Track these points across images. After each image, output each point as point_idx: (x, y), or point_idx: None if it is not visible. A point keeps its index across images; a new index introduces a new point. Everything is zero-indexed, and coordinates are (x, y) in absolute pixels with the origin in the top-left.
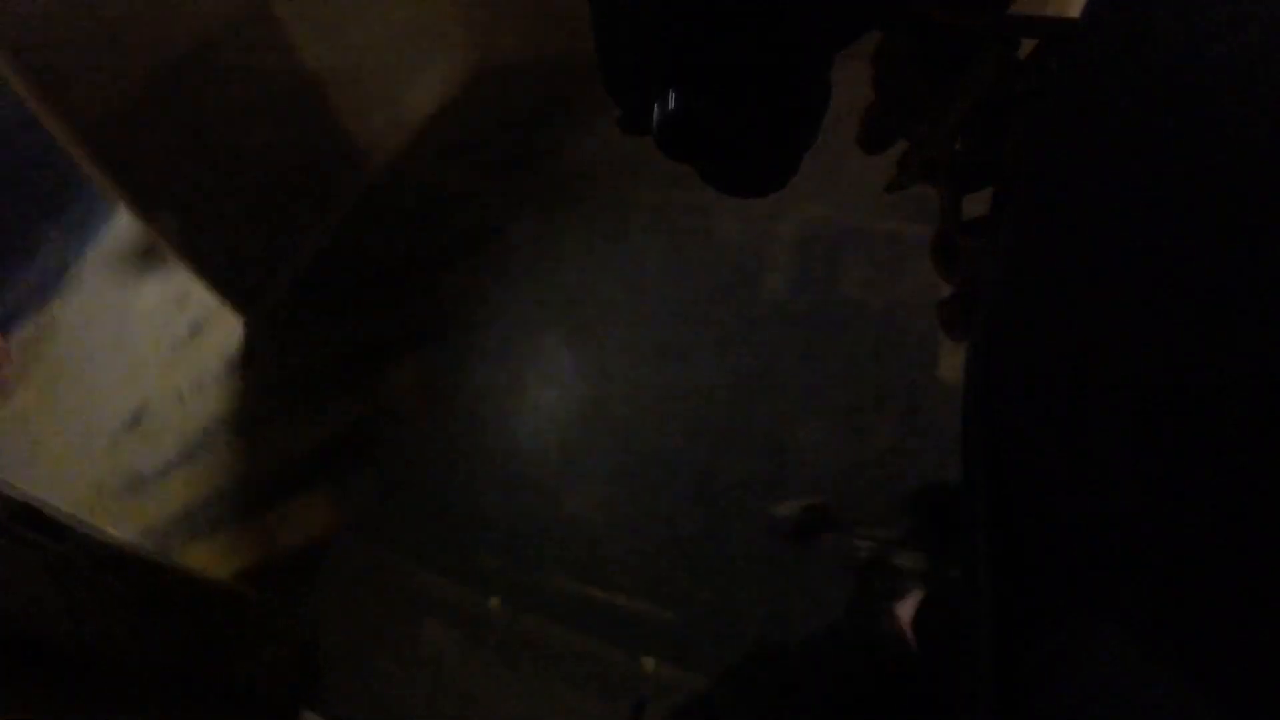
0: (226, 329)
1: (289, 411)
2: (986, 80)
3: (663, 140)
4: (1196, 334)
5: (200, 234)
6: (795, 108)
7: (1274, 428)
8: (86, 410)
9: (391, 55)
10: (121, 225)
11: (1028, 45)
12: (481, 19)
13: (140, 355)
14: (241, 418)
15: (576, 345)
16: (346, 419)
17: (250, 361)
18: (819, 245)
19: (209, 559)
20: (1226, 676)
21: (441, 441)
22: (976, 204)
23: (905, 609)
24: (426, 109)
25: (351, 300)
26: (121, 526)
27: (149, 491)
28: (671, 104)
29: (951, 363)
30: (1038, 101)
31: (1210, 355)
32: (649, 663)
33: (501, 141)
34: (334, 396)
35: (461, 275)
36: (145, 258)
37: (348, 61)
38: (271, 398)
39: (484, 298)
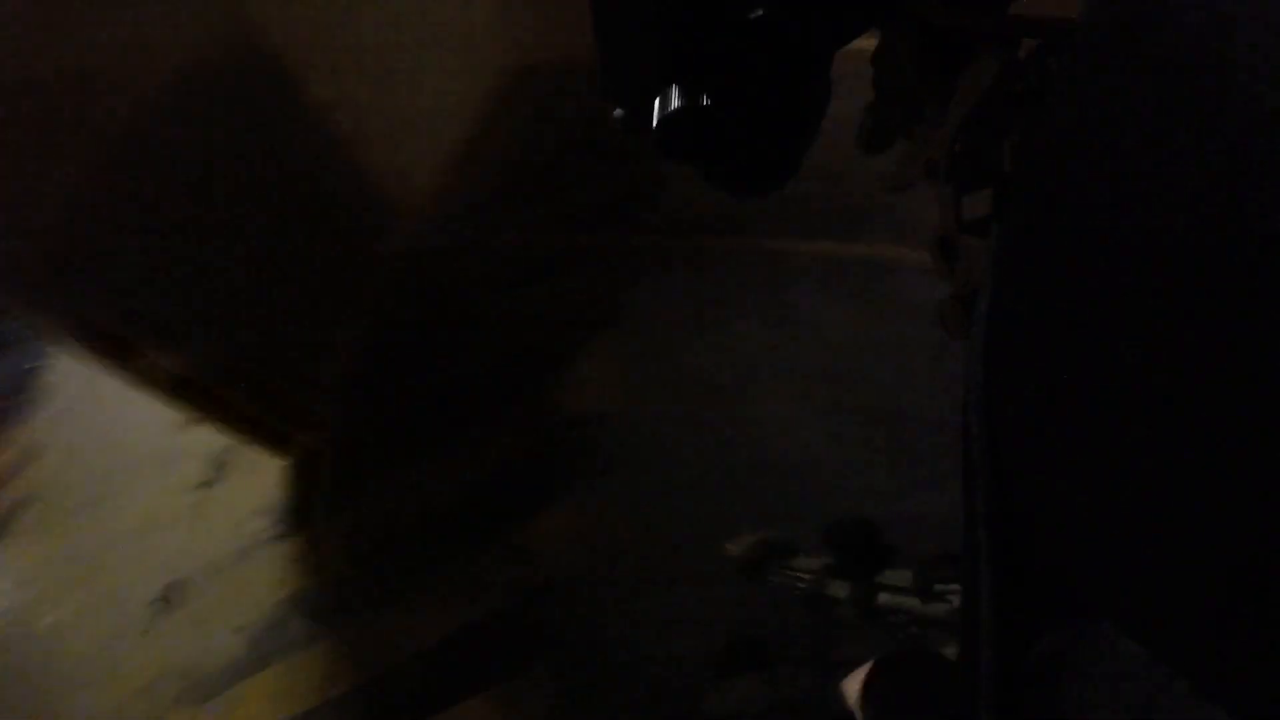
0: (263, 470)
1: (393, 583)
2: (986, 80)
3: (663, 139)
4: (1197, 333)
5: (198, 358)
6: (796, 106)
7: (1273, 429)
8: (103, 576)
9: (415, 73)
10: None
11: (1028, 45)
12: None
13: (152, 503)
14: (319, 596)
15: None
16: (493, 591)
17: (309, 517)
18: None
19: None
20: (1225, 676)
21: (622, 613)
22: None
23: (852, 685)
24: (472, 137)
25: (434, 422)
26: None
27: (215, 701)
28: (672, 103)
29: None
30: (1037, 101)
31: (1212, 357)
32: None
33: (586, 176)
34: (462, 561)
35: (584, 368)
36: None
37: (363, 93)
38: (357, 565)
39: (626, 393)
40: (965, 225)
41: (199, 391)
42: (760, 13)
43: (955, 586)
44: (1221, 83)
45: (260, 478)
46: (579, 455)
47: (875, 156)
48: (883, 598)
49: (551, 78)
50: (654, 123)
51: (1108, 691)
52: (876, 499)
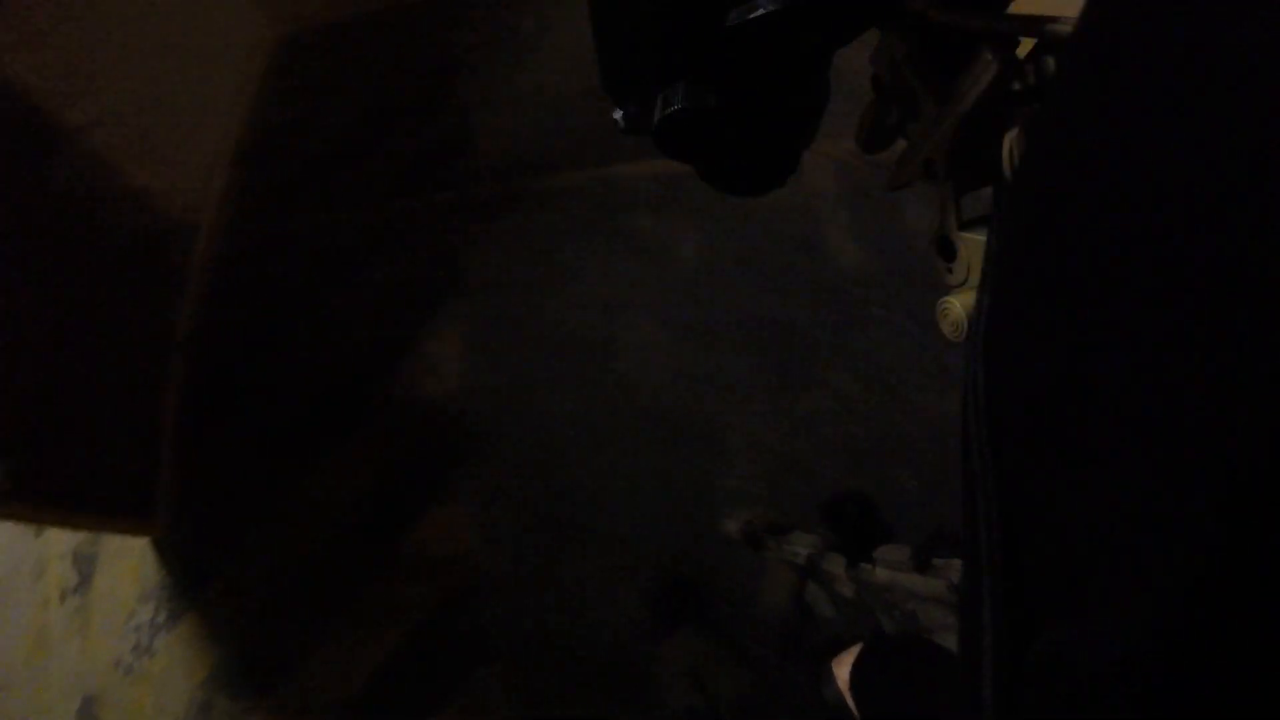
0: (130, 553)
1: (306, 629)
2: (986, 80)
3: (663, 137)
4: (1200, 332)
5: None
6: (796, 105)
7: (1269, 429)
8: (17, 709)
9: (178, 70)
10: None
11: (1028, 45)
12: None
13: (35, 622)
14: (235, 666)
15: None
16: (410, 608)
17: (194, 590)
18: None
19: None
20: (1227, 676)
21: (551, 595)
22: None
23: (842, 669)
24: (254, 121)
25: (290, 449)
26: None
27: None
28: (674, 101)
29: None
30: (1037, 101)
31: (1214, 356)
32: None
33: (384, 137)
34: (369, 585)
35: (436, 346)
36: None
37: (125, 103)
38: (262, 623)
39: (489, 363)
40: (965, 224)
41: (32, 496)
42: (761, 12)
43: (953, 561)
44: (1222, 80)
45: (130, 563)
46: (456, 441)
47: (874, 155)
48: (880, 573)
49: (320, 41)
50: (654, 122)
51: (1106, 691)
52: (766, 416)
